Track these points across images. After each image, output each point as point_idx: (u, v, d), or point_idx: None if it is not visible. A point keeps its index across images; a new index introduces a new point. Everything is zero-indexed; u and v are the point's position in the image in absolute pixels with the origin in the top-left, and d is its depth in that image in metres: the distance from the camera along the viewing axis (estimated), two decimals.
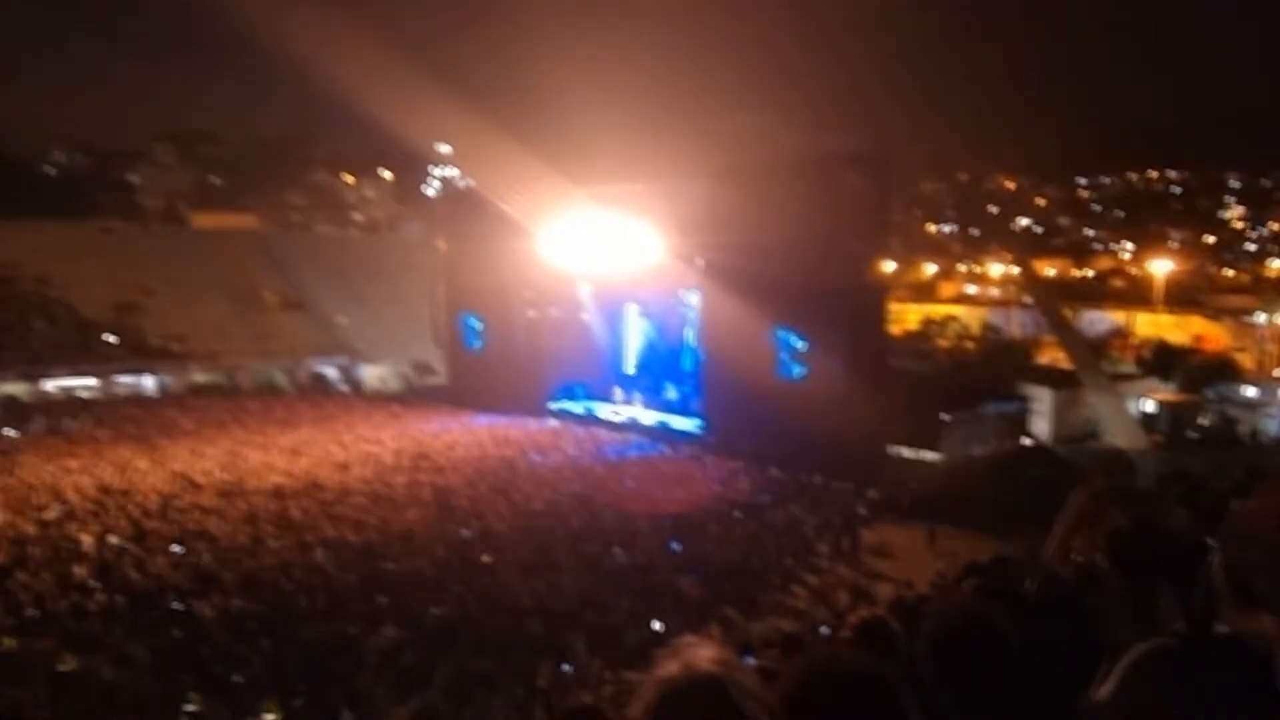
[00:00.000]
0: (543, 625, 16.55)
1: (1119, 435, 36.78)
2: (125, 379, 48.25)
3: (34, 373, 45.60)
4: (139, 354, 49.46)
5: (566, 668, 15.07)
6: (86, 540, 21.41)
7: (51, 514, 23.77)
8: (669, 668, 1.40)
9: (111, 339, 49.49)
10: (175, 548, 21.03)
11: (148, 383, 48.90)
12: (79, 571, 19.17)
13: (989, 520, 22.71)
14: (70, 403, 43.92)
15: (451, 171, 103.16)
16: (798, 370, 33.01)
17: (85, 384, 46.75)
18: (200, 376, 50.08)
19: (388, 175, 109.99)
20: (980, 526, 22.72)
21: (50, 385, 45.73)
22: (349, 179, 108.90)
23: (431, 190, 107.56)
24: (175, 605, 17.44)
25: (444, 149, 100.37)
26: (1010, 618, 2.49)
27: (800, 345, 32.93)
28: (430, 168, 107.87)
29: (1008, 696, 2.26)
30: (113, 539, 21.51)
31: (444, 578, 19.14)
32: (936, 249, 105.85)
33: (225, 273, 57.72)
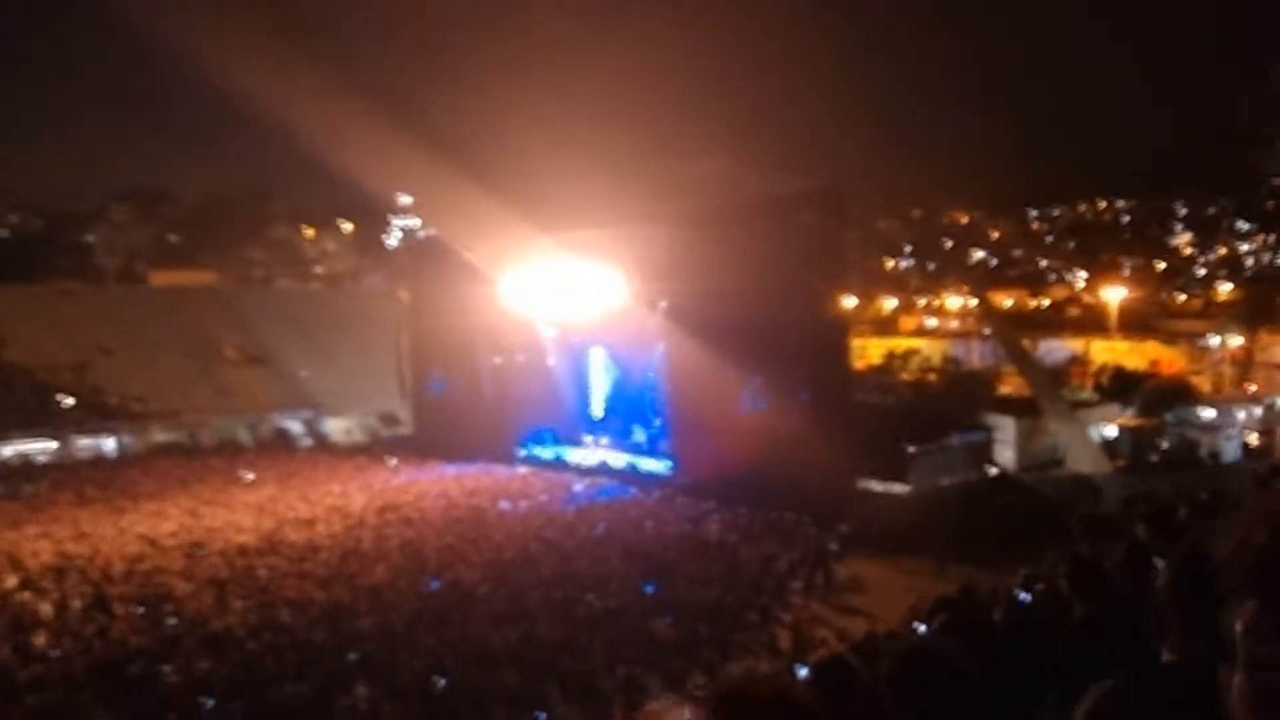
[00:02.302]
0: (517, 675, 16.37)
1: (1082, 461, 37.14)
2: (85, 441, 47.37)
3: None
4: (98, 415, 48.65)
5: (542, 717, 14.90)
6: (45, 609, 20.94)
7: (10, 583, 23.22)
8: None
9: (69, 401, 48.67)
10: (139, 611, 20.62)
11: (108, 444, 48.05)
12: (39, 641, 18.74)
13: (958, 550, 22.83)
14: (28, 467, 43.07)
15: (413, 221, 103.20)
16: (763, 408, 33.16)
17: (44, 447, 45.85)
18: (161, 436, 49.30)
19: (348, 227, 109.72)
20: (950, 557, 22.82)
21: (7, 450, 44.80)
22: (309, 232, 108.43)
23: (393, 241, 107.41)
24: (140, 670, 17.07)
25: (405, 199, 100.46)
26: (972, 652, 2.55)
27: (765, 384, 33.12)
28: (391, 218, 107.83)
29: None
30: (74, 605, 21.06)
31: (415, 631, 18.91)
32: (895, 284, 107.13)
33: (185, 330, 57.13)
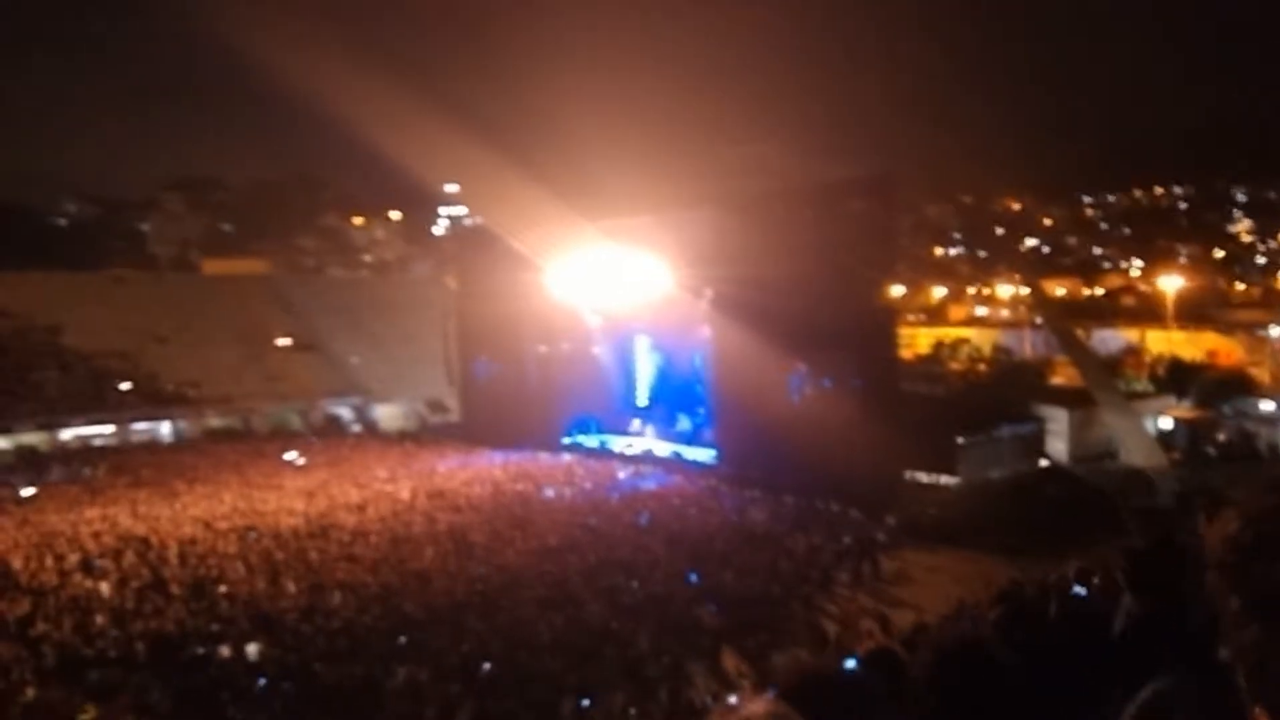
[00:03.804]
0: (563, 661, 16.48)
1: (1136, 454, 36.47)
2: (141, 426, 48.46)
3: (50, 422, 45.86)
4: (154, 401, 49.71)
5: (587, 703, 14.98)
6: (105, 588, 21.47)
7: (71, 563, 23.84)
8: None
9: (126, 387, 49.77)
10: (194, 593, 21.07)
11: (163, 429, 49.13)
12: (99, 620, 19.22)
13: (1009, 543, 22.56)
14: (87, 451, 44.14)
15: (460, 210, 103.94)
16: (810, 397, 32.95)
17: (101, 432, 46.97)
18: (215, 421, 50.27)
19: (397, 216, 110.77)
20: (1000, 550, 22.56)
21: (66, 434, 45.97)
22: (358, 221, 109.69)
23: (440, 229, 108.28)
24: (195, 650, 17.45)
25: (452, 188, 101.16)
26: (1020, 646, 2.50)
27: (811, 372, 32.91)
28: (439, 207, 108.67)
29: None
30: (132, 586, 21.56)
31: (462, 616, 19.11)
32: (945, 272, 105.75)
33: (237, 318, 58.08)
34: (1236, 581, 1.01)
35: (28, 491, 35.07)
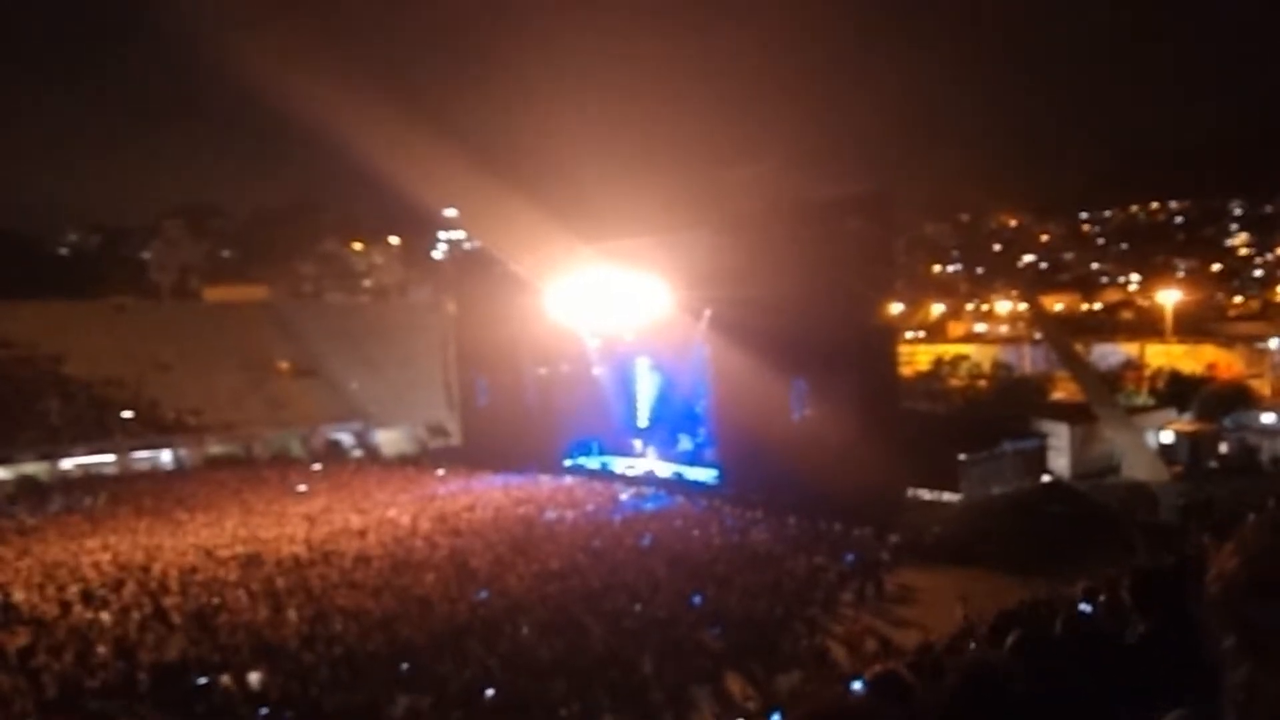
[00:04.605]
0: (565, 685, 16.38)
1: (1139, 468, 36.43)
2: (142, 454, 48.39)
3: (51, 452, 45.77)
4: (155, 428, 49.68)
5: None
6: (106, 618, 21.37)
7: (71, 593, 23.73)
8: None
9: (128, 415, 49.73)
10: (196, 622, 20.95)
11: (165, 457, 49.05)
12: (100, 650, 19.11)
13: (1013, 560, 22.46)
14: (88, 480, 44.02)
15: (459, 234, 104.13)
16: (810, 417, 32.92)
17: (103, 461, 46.87)
18: (216, 448, 50.22)
19: (395, 241, 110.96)
20: (1004, 567, 22.46)
21: (68, 464, 45.87)
22: (357, 246, 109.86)
23: (439, 254, 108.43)
24: (198, 680, 17.35)
25: (451, 212, 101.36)
26: (1035, 671, 2.49)
27: (811, 391, 32.90)
28: (438, 231, 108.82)
29: None
30: (133, 615, 21.46)
31: (464, 642, 19.01)
32: (943, 289, 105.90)
33: (238, 344, 58.13)
34: (1231, 620, 1.01)
35: (29, 522, 34.98)
